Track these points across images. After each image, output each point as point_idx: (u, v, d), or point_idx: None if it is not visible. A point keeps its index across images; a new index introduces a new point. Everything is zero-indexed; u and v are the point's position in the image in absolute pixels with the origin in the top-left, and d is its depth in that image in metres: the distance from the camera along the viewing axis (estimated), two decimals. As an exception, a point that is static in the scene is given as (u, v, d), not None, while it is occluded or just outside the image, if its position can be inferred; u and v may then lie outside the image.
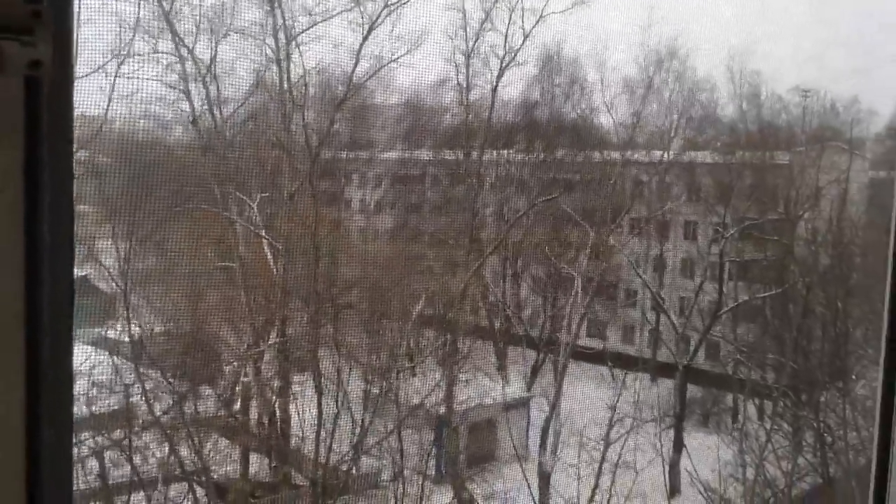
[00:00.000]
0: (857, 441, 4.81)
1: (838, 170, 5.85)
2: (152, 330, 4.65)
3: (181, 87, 5.03)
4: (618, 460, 4.51)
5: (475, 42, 5.56)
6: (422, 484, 5.00)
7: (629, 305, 6.29)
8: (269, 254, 5.19)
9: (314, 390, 5.00)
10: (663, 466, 5.35)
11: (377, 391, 5.19)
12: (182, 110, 5.06)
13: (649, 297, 6.18)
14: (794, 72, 6.25)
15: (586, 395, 5.46)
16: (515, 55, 5.58)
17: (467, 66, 5.59)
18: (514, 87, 6.76)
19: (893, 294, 1.09)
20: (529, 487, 4.94)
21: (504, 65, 5.58)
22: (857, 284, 5.45)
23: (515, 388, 5.83)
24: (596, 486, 4.36)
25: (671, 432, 5.63)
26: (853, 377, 5.12)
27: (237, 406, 5.02)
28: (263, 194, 5.13)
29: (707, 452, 5.09)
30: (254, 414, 5.07)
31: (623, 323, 6.28)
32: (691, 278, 6.16)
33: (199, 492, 4.39)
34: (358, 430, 4.93)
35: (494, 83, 5.62)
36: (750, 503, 4.71)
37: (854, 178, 5.82)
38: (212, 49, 5.08)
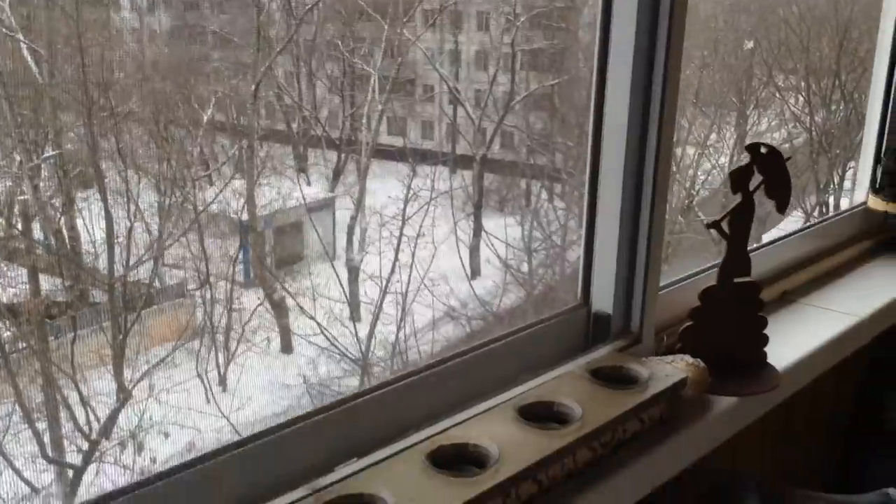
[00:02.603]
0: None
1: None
2: None
3: None
4: (417, 235, 4.69)
5: None
6: (230, 289, 4.96)
7: (427, 100, 6.33)
8: (30, 60, 4.64)
9: (102, 205, 4.71)
10: (458, 252, 5.64)
11: (172, 201, 4.96)
12: None
13: (446, 91, 6.24)
14: None
15: (389, 189, 5.53)
16: None
17: None
18: None
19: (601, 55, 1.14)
20: (339, 279, 5.05)
21: None
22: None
23: (318, 190, 5.80)
24: (396, 259, 4.55)
25: (471, 220, 5.90)
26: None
27: (18, 226, 4.66)
28: (14, -8, 4.51)
29: (504, 233, 5.40)
30: (38, 233, 4.74)
31: (422, 119, 6.33)
32: (485, 70, 6.24)
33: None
34: (156, 242, 4.74)
35: None
36: (533, 272, 5.12)
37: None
38: None
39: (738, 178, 1.09)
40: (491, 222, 5.88)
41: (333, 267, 5.56)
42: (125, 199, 5.45)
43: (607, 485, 0.92)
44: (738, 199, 1.10)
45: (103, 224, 5.22)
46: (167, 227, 5.38)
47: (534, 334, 1.08)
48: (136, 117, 5.88)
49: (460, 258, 5.82)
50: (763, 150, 1.10)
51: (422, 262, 4.67)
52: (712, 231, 1.11)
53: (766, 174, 1.10)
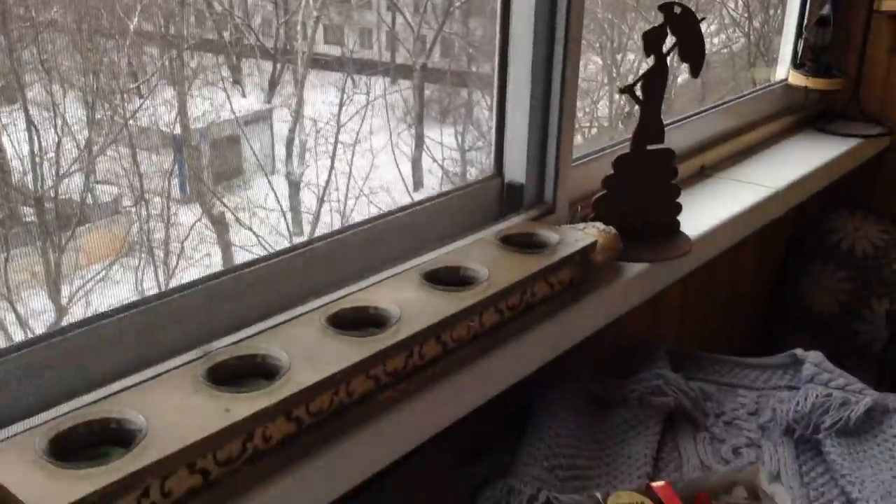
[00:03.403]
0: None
1: None
2: None
3: None
4: (354, 142, 4.58)
5: None
6: (167, 204, 4.83)
7: (364, 6, 6.14)
8: (-63, -35, 4.37)
9: (26, 120, 4.51)
10: (397, 164, 5.54)
11: (101, 115, 4.78)
12: None
13: (383, -3, 6.06)
14: None
15: (327, 101, 5.38)
16: None
17: None
18: None
19: None
20: (276, 193, 4.94)
21: None
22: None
23: (254, 101, 5.63)
24: (332, 167, 4.44)
25: (412, 131, 5.81)
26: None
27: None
28: None
29: (445, 145, 5.32)
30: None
31: (359, 26, 6.16)
32: (423, -26, 6.06)
33: None
34: (85, 156, 4.58)
35: None
36: (476, 176, 5.07)
37: None
38: None
39: (651, 40, 1.07)
40: (433, 133, 5.80)
41: (269, 181, 5.44)
42: (52, 114, 5.24)
43: (514, 346, 0.92)
44: (651, 62, 1.08)
45: (30, 138, 5.02)
46: (97, 141, 5.20)
47: (446, 204, 1.06)
48: (59, 27, 5.62)
49: (399, 171, 5.75)
50: (677, 10, 1.07)
51: (361, 172, 4.59)
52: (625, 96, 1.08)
53: (679, 36, 1.08)
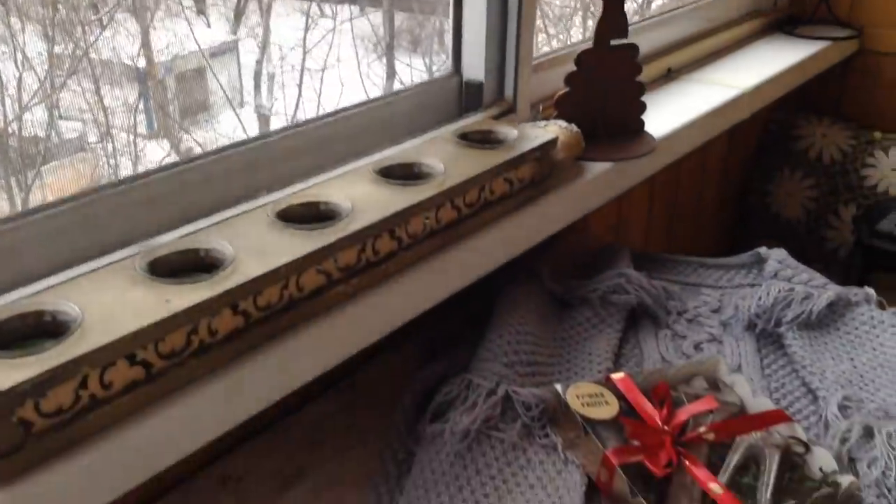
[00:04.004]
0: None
1: None
2: None
3: None
4: (323, 69, 4.48)
5: None
6: (133, 140, 4.73)
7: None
8: None
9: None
10: (367, 95, 5.44)
11: (62, 49, 4.64)
12: None
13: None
14: None
15: (292, 26, 5.25)
16: None
17: None
18: None
19: None
20: (245, 130, 4.85)
21: None
22: None
23: (220, 32, 5.48)
24: (299, 95, 4.35)
25: (384, 61, 5.69)
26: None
27: None
28: None
29: (415, 68, 5.21)
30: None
31: (326, -46, 6.00)
32: None
33: None
34: (48, 89, 4.45)
35: None
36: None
37: None
38: None
39: (611, -73, 1.02)
40: (404, 61, 5.68)
41: (237, 114, 5.31)
42: (11, 48, 5.06)
43: (472, 244, 0.90)
44: (612, -49, 1.04)
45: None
46: (60, 75, 5.04)
47: (402, 103, 1.03)
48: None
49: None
50: None
51: (331, 103, 4.50)
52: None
53: (641, -77, 1.03)
